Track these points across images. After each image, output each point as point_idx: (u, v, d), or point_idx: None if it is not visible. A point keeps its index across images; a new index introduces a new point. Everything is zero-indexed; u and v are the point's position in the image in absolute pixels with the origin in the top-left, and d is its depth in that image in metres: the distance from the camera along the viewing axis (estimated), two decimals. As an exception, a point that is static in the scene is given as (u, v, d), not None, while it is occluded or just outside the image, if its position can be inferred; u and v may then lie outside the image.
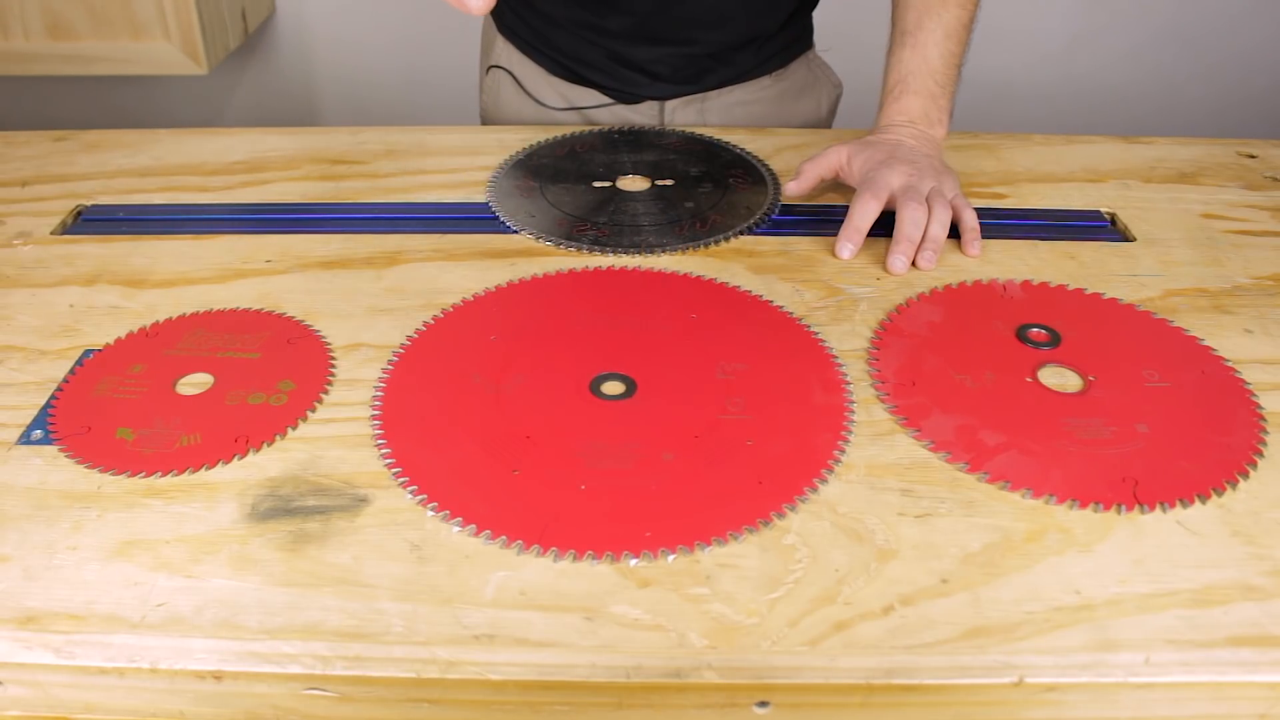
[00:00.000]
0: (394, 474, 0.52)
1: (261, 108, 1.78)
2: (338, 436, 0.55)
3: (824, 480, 0.52)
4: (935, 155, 0.78)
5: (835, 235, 0.72)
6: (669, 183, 0.81)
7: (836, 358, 0.61)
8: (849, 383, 0.59)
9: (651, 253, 0.71)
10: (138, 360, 0.60)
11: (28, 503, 0.50)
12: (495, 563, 0.47)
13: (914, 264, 0.70)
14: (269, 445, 0.54)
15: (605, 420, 0.55)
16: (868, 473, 0.52)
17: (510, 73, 0.97)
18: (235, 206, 0.78)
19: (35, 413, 0.56)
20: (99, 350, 0.61)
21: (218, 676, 0.43)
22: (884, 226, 0.71)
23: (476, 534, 0.48)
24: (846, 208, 0.73)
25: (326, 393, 0.58)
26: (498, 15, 0.97)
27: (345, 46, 1.71)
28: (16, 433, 0.55)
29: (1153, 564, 0.47)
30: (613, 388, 0.58)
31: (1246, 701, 0.44)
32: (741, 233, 0.74)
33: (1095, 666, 0.43)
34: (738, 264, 0.70)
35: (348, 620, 0.44)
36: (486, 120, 1.03)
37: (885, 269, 0.69)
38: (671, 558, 0.47)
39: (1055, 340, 0.62)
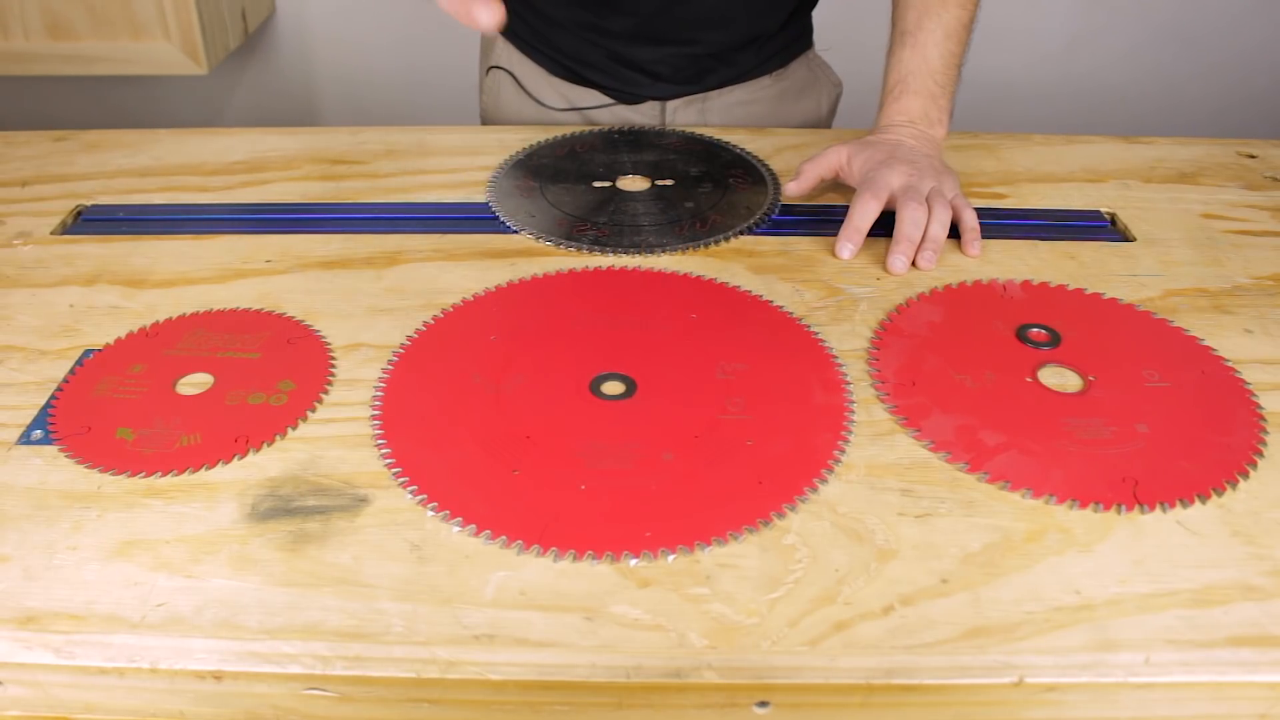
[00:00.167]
0: (394, 474, 0.52)
1: (261, 108, 1.78)
2: (338, 436, 0.55)
3: (824, 480, 0.52)
4: (935, 155, 0.78)
5: (835, 235, 0.72)
6: (669, 183, 0.81)
7: (836, 358, 0.61)
8: (849, 383, 0.59)
9: (651, 253, 0.71)
10: (138, 360, 0.60)
11: (28, 503, 0.50)
12: (495, 563, 0.47)
13: (914, 264, 0.70)
14: (269, 445, 0.54)
15: (605, 420, 0.55)
16: (868, 473, 0.52)
17: (510, 73, 0.97)
18: (235, 206, 0.78)
19: (35, 413, 0.56)
20: (99, 350, 0.61)
21: (218, 676, 0.43)
22: (884, 226, 0.71)
23: (476, 534, 0.48)
24: (846, 208, 0.73)
25: (326, 393, 0.58)
26: (498, 16, 0.97)
27: (345, 46, 1.71)
28: (16, 433, 0.55)
29: (1153, 564, 0.47)
30: (613, 388, 0.58)
31: (1246, 701, 0.44)
32: (741, 233, 0.74)
33: (1095, 666, 0.43)
34: (738, 264, 0.70)
35: (348, 620, 0.44)
36: (486, 120, 1.03)
37: (885, 269, 0.69)
38: (671, 558, 0.47)
39: (1055, 340, 0.62)
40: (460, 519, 0.49)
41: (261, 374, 0.59)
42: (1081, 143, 0.89)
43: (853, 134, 0.83)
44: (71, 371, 0.59)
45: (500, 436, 0.54)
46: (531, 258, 0.71)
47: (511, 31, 0.96)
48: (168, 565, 0.47)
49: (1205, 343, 0.62)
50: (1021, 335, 0.62)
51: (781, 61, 0.96)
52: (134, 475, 0.52)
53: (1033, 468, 0.52)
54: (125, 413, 0.56)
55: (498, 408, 0.56)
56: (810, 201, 0.79)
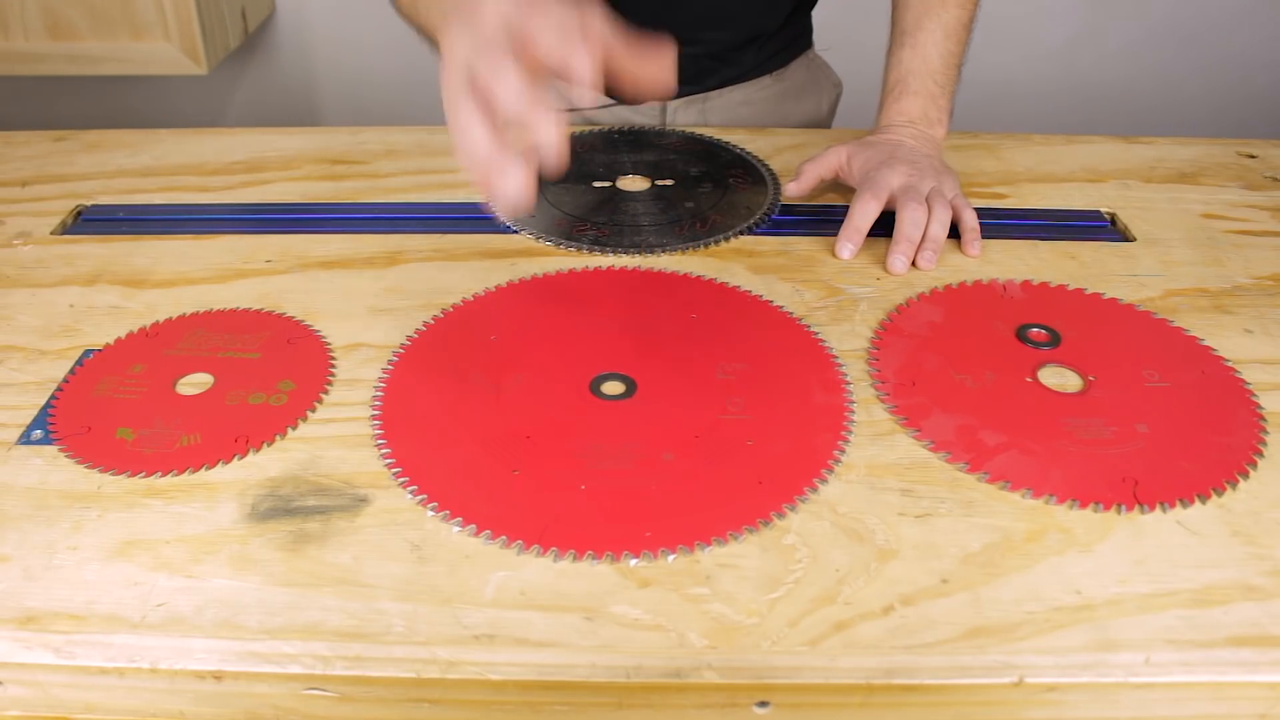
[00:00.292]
0: (394, 474, 0.52)
1: (261, 108, 1.78)
2: (338, 436, 0.55)
3: (824, 480, 0.52)
4: (935, 155, 0.78)
5: (835, 235, 0.72)
6: (669, 183, 0.81)
7: (836, 358, 0.61)
8: (849, 383, 0.59)
9: (651, 253, 0.71)
10: (138, 360, 0.60)
11: (28, 503, 0.50)
12: (495, 563, 0.47)
13: (914, 264, 0.70)
14: (269, 445, 0.54)
15: (605, 420, 0.55)
16: (868, 473, 0.52)
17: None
18: (235, 206, 0.78)
19: (35, 413, 0.56)
20: (99, 350, 0.61)
21: (218, 676, 0.43)
22: (884, 226, 0.71)
23: (476, 534, 0.48)
24: (846, 208, 0.73)
25: (326, 393, 0.58)
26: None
27: (345, 46, 1.71)
28: (16, 433, 0.55)
29: (1153, 564, 0.47)
30: (613, 388, 0.58)
31: (1246, 701, 0.44)
32: (741, 233, 0.74)
33: (1095, 666, 0.43)
34: (738, 264, 0.70)
35: (348, 620, 0.44)
36: (486, 120, 1.02)
37: (885, 269, 0.69)
38: (671, 558, 0.47)
39: (1055, 340, 0.62)
40: (460, 519, 0.49)
41: (261, 374, 0.59)
42: (1081, 142, 0.89)
43: (853, 134, 0.83)
44: (71, 371, 0.59)
45: (500, 436, 0.54)
46: (531, 258, 0.71)
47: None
48: (168, 565, 0.47)
49: (1205, 343, 0.62)
50: (1021, 335, 0.62)
51: (781, 61, 0.96)
52: (134, 475, 0.52)
53: (1033, 468, 0.52)
54: (125, 413, 0.56)
55: (498, 408, 0.56)
56: (810, 201, 0.79)
